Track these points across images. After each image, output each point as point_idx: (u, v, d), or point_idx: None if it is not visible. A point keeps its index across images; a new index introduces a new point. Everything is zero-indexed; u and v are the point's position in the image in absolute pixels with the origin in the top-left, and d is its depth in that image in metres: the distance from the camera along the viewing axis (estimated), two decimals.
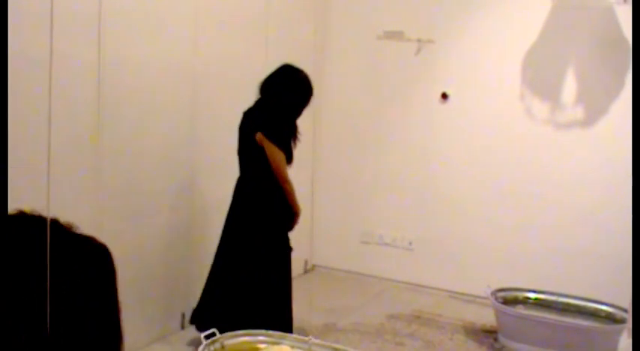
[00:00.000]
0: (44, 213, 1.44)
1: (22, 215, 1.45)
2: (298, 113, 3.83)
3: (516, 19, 4.89)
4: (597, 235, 4.75)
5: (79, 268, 1.45)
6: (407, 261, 5.37)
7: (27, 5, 2.93)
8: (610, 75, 4.68)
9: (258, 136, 3.64)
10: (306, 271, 5.56)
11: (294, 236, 5.55)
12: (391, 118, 5.34)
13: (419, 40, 5.16)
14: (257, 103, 3.77)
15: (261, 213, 3.76)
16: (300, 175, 5.30)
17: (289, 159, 3.78)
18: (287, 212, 3.83)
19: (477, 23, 5.02)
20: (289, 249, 3.88)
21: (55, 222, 1.41)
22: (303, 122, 5.56)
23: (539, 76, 4.89)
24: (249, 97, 4.70)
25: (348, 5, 5.43)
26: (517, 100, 4.92)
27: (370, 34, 5.32)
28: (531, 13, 4.82)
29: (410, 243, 5.35)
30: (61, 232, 1.44)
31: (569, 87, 4.79)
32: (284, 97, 3.72)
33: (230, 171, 4.05)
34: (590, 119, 4.76)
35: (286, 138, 3.75)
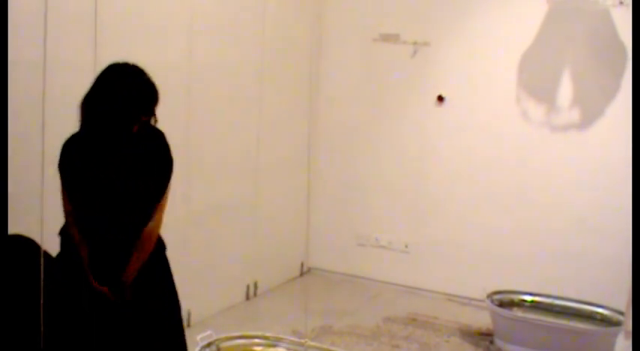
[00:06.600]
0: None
1: None
2: (103, 125, 2.63)
3: (512, 22, 4.89)
4: (593, 237, 4.74)
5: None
6: (403, 263, 5.36)
7: (22, 7, 2.92)
8: (606, 78, 4.68)
9: None
10: (301, 274, 5.55)
11: (290, 239, 5.54)
12: (387, 120, 5.33)
13: (415, 43, 5.15)
14: None
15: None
16: (296, 178, 5.30)
17: (77, 190, 2.55)
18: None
19: (473, 26, 5.02)
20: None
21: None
22: (299, 123, 5.55)
23: (535, 79, 4.89)
24: (245, 100, 4.70)
25: (343, 8, 5.42)
26: (513, 102, 4.92)
27: (366, 37, 5.31)
28: (527, 15, 4.82)
29: (406, 245, 5.34)
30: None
31: (565, 90, 4.79)
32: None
33: (224, 176, 4.06)
34: (586, 122, 4.77)
35: (69, 161, 2.61)
